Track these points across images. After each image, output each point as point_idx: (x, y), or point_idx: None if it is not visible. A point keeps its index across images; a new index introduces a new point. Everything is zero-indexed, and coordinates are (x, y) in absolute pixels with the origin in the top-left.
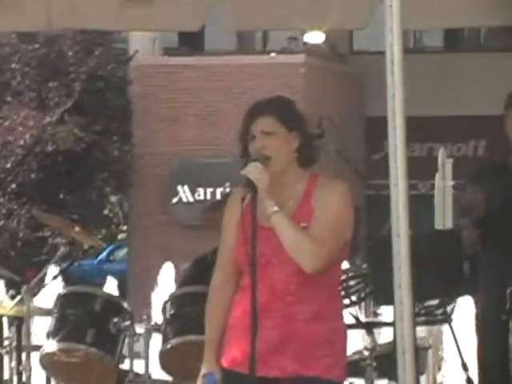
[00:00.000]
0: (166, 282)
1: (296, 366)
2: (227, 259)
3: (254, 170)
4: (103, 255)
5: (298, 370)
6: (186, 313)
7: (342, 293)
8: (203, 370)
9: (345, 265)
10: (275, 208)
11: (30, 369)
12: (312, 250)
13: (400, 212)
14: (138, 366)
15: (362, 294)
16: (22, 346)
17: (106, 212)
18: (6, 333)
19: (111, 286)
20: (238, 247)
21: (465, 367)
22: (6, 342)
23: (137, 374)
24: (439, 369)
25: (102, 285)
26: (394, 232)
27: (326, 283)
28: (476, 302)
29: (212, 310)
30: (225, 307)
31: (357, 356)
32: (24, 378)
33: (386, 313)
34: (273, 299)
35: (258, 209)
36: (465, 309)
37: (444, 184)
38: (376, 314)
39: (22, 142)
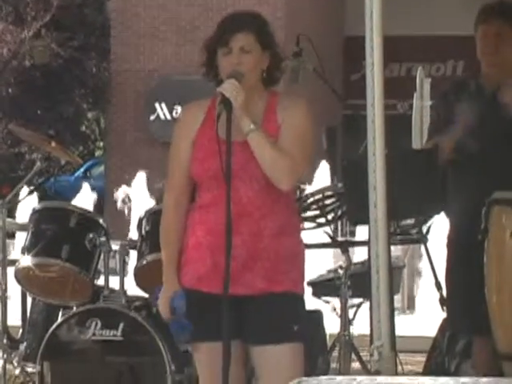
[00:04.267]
0: (139, 191)
1: (265, 282)
2: (180, 176)
3: (230, 87)
4: (80, 171)
5: (266, 286)
6: None
7: (318, 212)
8: (167, 292)
9: (321, 184)
10: (252, 126)
11: (6, 283)
12: (289, 166)
13: (376, 131)
14: (114, 282)
15: (338, 213)
16: None
17: (83, 128)
18: None
19: (89, 200)
20: (197, 162)
21: (439, 286)
22: None
23: (112, 290)
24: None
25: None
26: (370, 151)
27: (287, 199)
28: (449, 222)
29: (168, 230)
30: (181, 227)
31: (331, 275)
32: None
33: (361, 232)
34: (240, 214)
35: (221, 124)
36: (441, 228)
37: (422, 104)
38: (352, 233)
39: None
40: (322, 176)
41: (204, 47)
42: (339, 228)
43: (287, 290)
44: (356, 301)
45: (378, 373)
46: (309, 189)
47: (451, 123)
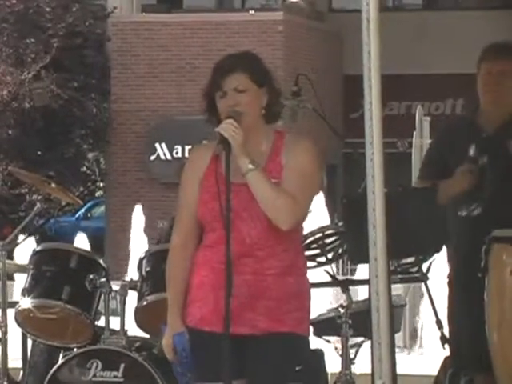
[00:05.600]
0: (137, 227)
1: (268, 322)
2: (188, 217)
3: (228, 127)
4: (81, 212)
5: (269, 326)
6: (162, 270)
7: (318, 250)
8: (170, 332)
9: (323, 222)
10: (251, 166)
11: (6, 325)
12: (288, 206)
13: (375, 169)
14: (114, 323)
15: (339, 252)
16: None
17: (83, 169)
18: None
19: (83, 242)
20: (202, 204)
21: (439, 325)
22: None
23: (113, 331)
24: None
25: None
26: (369, 189)
27: (292, 239)
28: (448, 260)
29: (174, 269)
30: (186, 267)
31: (332, 314)
32: (0, 335)
33: (362, 271)
34: (243, 254)
35: (222, 164)
36: (442, 267)
37: (421, 142)
38: (352, 272)
39: None
40: (321, 212)
41: (203, 94)
42: (340, 267)
43: (290, 331)
44: (357, 340)
45: None
46: (308, 228)
47: (448, 163)
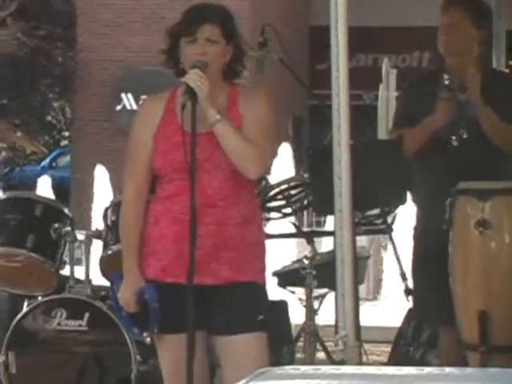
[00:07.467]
0: (100, 185)
1: (230, 272)
2: (140, 169)
3: (195, 77)
4: (46, 161)
5: (232, 276)
6: None
7: (284, 202)
8: (130, 283)
9: (288, 174)
10: (218, 116)
11: None
12: (257, 155)
13: (341, 121)
14: (79, 272)
15: (304, 203)
16: None
17: (48, 118)
18: None
19: (46, 187)
20: (159, 155)
21: (404, 277)
22: None
23: (77, 280)
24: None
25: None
26: (335, 141)
27: (250, 189)
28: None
29: (129, 222)
30: (141, 219)
31: (297, 265)
32: None
33: (330, 223)
34: (205, 204)
35: (184, 115)
36: (406, 218)
37: (388, 94)
38: (318, 224)
39: None
40: (287, 163)
41: (167, 34)
42: (305, 218)
43: (251, 280)
44: (321, 291)
45: (342, 363)
46: (274, 179)
47: (418, 115)
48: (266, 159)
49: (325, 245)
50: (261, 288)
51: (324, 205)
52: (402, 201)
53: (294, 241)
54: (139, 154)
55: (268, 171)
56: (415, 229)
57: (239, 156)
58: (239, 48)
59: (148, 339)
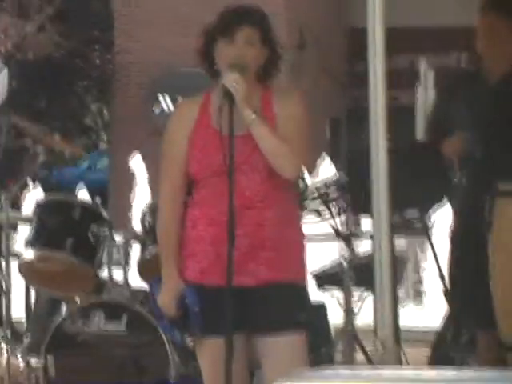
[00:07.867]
0: (138, 187)
1: (269, 272)
2: (175, 173)
3: (232, 80)
4: (85, 164)
5: (270, 276)
6: None
7: (323, 204)
8: (170, 287)
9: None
10: (254, 116)
11: (10, 277)
12: (291, 153)
13: (378, 121)
14: (117, 275)
15: (343, 205)
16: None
17: (86, 121)
18: None
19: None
20: (195, 160)
21: (442, 278)
22: None
23: (116, 283)
24: (420, 281)
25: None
26: (373, 142)
27: (288, 189)
28: (453, 214)
29: (167, 224)
30: (178, 221)
31: (336, 267)
32: (4, 286)
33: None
34: (243, 206)
35: (222, 117)
36: (445, 221)
37: (425, 95)
38: (356, 225)
39: (2, 50)
40: (325, 167)
41: (203, 34)
42: (344, 220)
43: (291, 281)
44: (361, 293)
45: (382, 365)
46: (313, 182)
47: (454, 121)
48: (300, 158)
49: (365, 247)
50: (301, 289)
51: (363, 205)
52: (439, 199)
53: (333, 243)
54: (174, 157)
55: (310, 170)
56: (452, 230)
57: (274, 154)
58: (275, 51)
59: (191, 343)
